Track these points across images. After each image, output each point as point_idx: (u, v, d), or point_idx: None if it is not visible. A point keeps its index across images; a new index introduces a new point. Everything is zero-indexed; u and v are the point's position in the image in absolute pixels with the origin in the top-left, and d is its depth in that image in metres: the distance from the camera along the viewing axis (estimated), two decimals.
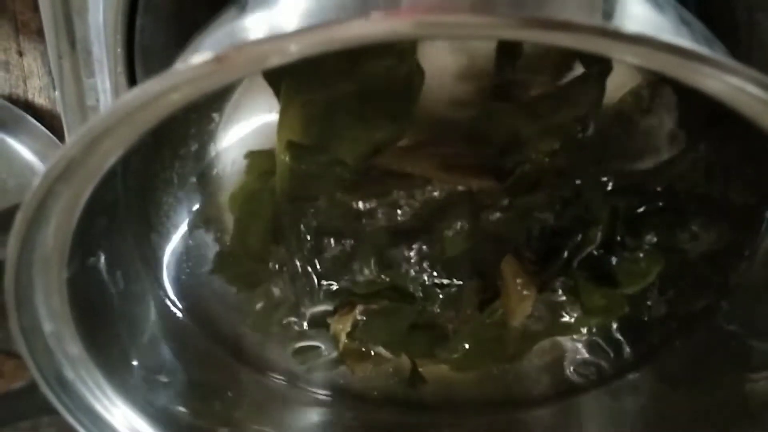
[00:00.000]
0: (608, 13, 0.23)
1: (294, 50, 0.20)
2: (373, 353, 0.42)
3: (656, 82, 0.34)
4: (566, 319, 0.40)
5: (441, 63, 0.33)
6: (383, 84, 0.33)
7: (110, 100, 0.37)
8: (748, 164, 0.34)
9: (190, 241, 0.40)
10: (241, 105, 0.37)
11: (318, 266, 0.39)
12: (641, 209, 0.37)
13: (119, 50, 0.36)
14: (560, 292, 0.39)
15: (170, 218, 0.39)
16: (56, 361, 0.31)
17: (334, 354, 0.42)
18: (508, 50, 0.32)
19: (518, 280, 0.37)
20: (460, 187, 0.36)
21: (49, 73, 0.64)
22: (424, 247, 0.38)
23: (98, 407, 0.33)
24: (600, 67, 0.33)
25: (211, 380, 0.39)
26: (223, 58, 0.20)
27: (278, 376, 0.41)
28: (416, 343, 0.42)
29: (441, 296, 0.40)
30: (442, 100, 0.34)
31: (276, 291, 0.40)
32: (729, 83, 0.22)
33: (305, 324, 0.41)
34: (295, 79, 0.34)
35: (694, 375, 0.38)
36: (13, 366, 0.64)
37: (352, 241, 0.38)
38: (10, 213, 0.25)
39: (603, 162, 0.36)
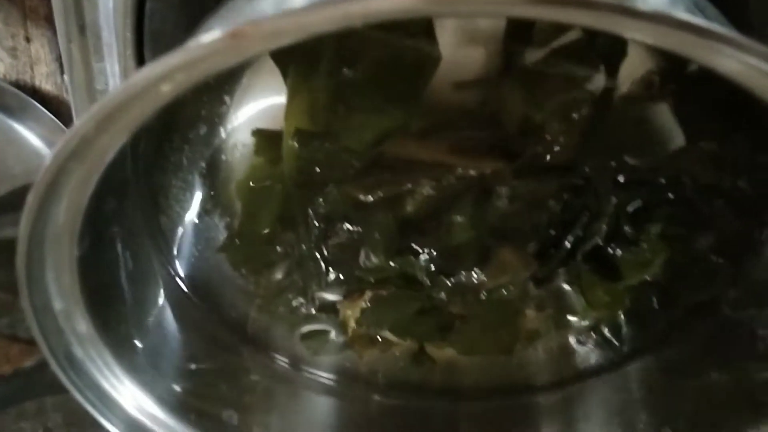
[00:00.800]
0: None
1: (309, 26, 0.20)
2: (380, 338, 0.42)
3: (668, 69, 0.34)
4: (571, 310, 0.40)
5: (449, 46, 0.33)
6: (392, 69, 0.33)
7: (119, 84, 0.37)
8: (758, 154, 0.34)
9: (200, 224, 0.40)
10: (251, 87, 0.37)
11: (326, 252, 0.39)
12: (648, 201, 0.37)
13: (128, 34, 0.36)
14: (565, 284, 0.39)
15: (179, 201, 0.39)
16: (66, 339, 0.31)
17: (342, 338, 0.43)
18: (518, 30, 0.32)
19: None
20: (471, 171, 0.36)
21: (57, 59, 0.64)
22: (432, 235, 0.38)
23: (106, 385, 0.33)
24: (613, 52, 0.33)
25: (217, 362, 0.39)
26: (238, 34, 0.20)
27: (284, 360, 0.41)
28: (423, 328, 0.42)
29: (448, 283, 0.40)
30: (450, 83, 0.34)
31: (284, 275, 0.40)
32: (744, 62, 0.21)
33: (313, 308, 0.42)
34: (303, 65, 0.33)
35: (700, 364, 0.38)
36: (19, 350, 0.64)
37: (360, 228, 0.38)
38: (19, 193, 0.25)
39: (612, 150, 0.35)
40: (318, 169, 0.36)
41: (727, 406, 0.36)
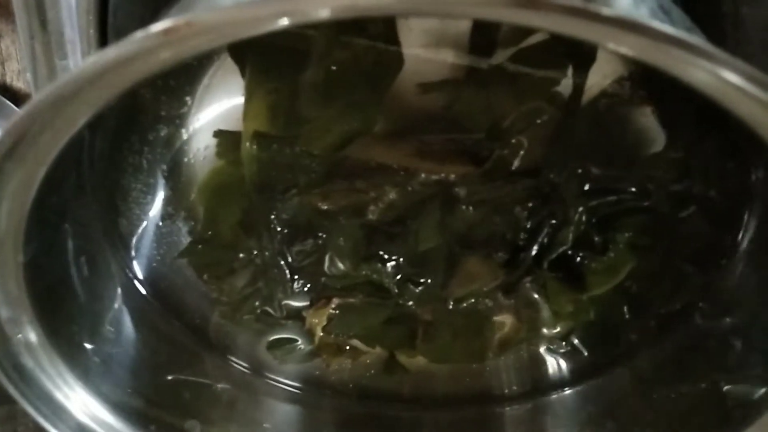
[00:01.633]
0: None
1: (246, 25, 0.19)
2: (348, 346, 0.42)
3: (639, 75, 0.34)
4: (540, 319, 0.39)
5: (413, 48, 0.32)
6: (354, 72, 0.32)
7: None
8: (728, 162, 0.34)
9: (162, 228, 0.39)
10: (213, 87, 0.36)
11: (290, 259, 0.38)
12: (616, 209, 0.36)
13: (92, 31, 0.35)
14: (533, 292, 0.38)
15: (140, 204, 0.38)
16: (13, 347, 0.30)
17: (309, 347, 0.42)
18: (484, 33, 0.32)
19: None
20: (435, 176, 0.35)
21: None
22: (398, 241, 0.38)
23: (57, 395, 0.32)
24: (582, 55, 0.32)
25: (179, 370, 0.38)
26: (171, 31, 0.19)
27: (248, 367, 0.40)
28: (393, 336, 0.41)
29: (416, 291, 0.39)
30: (413, 86, 0.33)
31: (247, 282, 0.39)
32: (709, 71, 0.21)
33: (279, 316, 0.41)
34: (260, 66, 0.33)
35: (670, 375, 0.37)
36: None
37: (325, 235, 0.37)
38: None
39: (579, 157, 0.35)
40: (279, 174, 0.35)
41: (697, 417, 0.35)
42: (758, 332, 0.34)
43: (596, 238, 0.36)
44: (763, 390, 0.32)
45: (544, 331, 0.40)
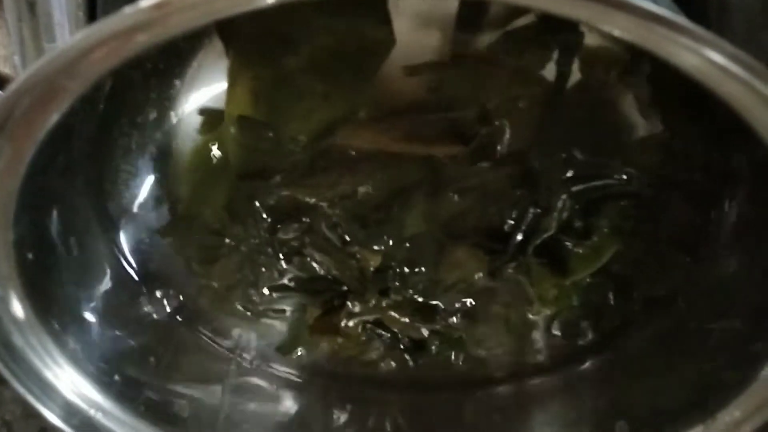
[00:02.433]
0: None
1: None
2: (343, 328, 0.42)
3: (627, 59, 0.34)
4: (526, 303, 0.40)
5: (400, 29, 0.32)
6: (341, 53, 0.32)
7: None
8: (711, 146, 0.34)
9: (151, 211, 0.39)
10: (202, 70, 0.36)
11: (277, 246, 0.38)
12: (599, 194, 0.36)
13: (80, 14, 0.35)
14: (518, 277, 0.38)
15: (129, 187, 0.38)
16: (3, 326, 0.30)
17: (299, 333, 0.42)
18: (471, 14, 0.32)
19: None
20: (423, 158, 0.35)
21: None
22: (384, 229, 0.38)
23: (46, 373, 0.32)
24: (569, 39, 0.32)
25: (166, 351, 0.38)
26: (162, 5, 0.19)
27: (231, 348, 0.40)
28: None
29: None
30: (398, 70, 0.33)
31: (234, 268, 0.39)
32: (689, 48, 0.21)
33: (267, 302, 0.41)
34: (243, 52, 0.33)
35: (652, 359, 0.38)
36: None
37: (310, 221, 0.37)
38: None
39: (563, 141, 0.35)
40: (262, 160, 0.35)
41: (680, 400, 0.35)
42: (739, 316, 0.34)
43: (580, 223, 0.37)
44: (741, 372, 0.32)
45: (529, 315, 0.40)
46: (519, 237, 0.37)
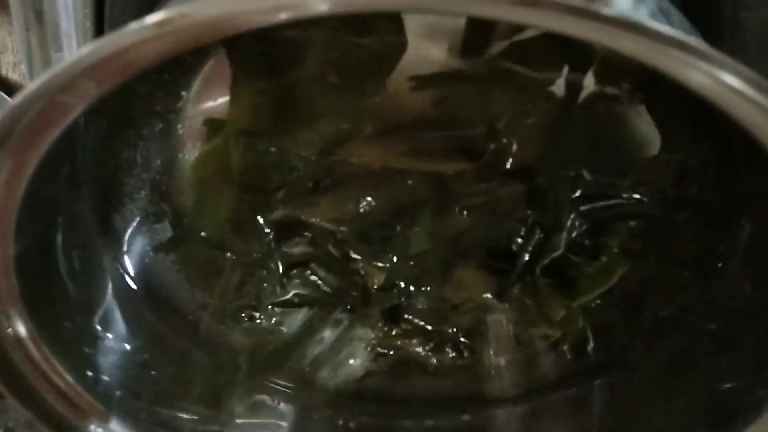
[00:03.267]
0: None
1: (248, 18, 0.19)
2: None
3: (636, 77, 0.33)
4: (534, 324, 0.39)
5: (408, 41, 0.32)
6: (343, 68, 0.32)
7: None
8: (724, 166, 0.34)
9: (155, 225, 0.39)
10: (209, 83, 0.36)
11: (279, 261, 0.38)
12: (609, 213, 0.36)
13: (88, 24, 0.35)
14: (525, 298, 0.38)
15: (134, 200, 0.38)
16: (2, 341, 0.30)
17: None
18: (479, 27, 0.31)
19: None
20: (429, 175, 0.34)
21: None
22: (390, 247, 0.37)
23: (46, 389, 0.32)
24: (579, 55, 0.32)
25: (168, 367, 0.38)
26: (166, 23, 0.18)
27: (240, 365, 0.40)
28: None
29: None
30: (404, 85, 0.33)
31: (236, 284, 0.39)
32: (708, 74, 0.21)
33: (269, 319, 0.40)
34: (246, 67, 0.32)
35: (664, 378, 0.37)
36: None
37: (313, 236, 0.37)
38: None
39: (573, 159, 0.34)
40: (265, 174, 0.35)
41: (690, 422, 0.35)
42: (753, 336, 0.34)
43: (589, 243, 0.36)
44: (758, 392, 0.31)
45: (537, 335, 0.39)
46: (526, 256, 0.37)
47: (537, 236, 0.36)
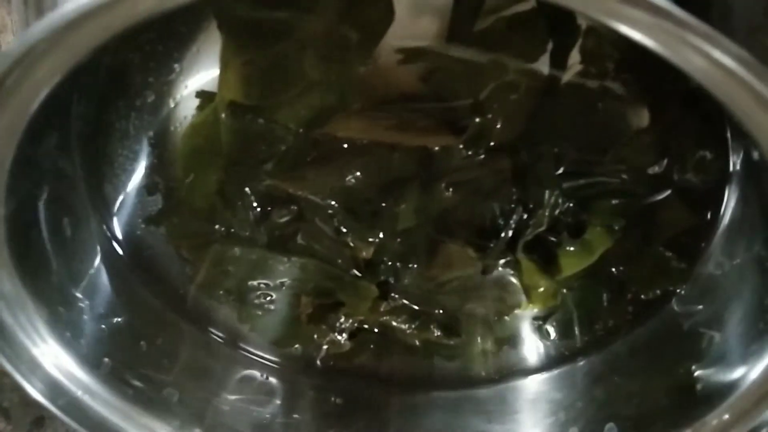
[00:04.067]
0: None
1: None
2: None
3: (622, 57, 0.34)
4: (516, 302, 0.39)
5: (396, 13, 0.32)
6: (331, 39, 0.32)
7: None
8: (707, 146, 0.34)
9: (146, 196, 0.39)
10: (202, 55, 0.36)
11: (267, 234, 0.38)
12: (591, 191, 0.36)
13: None
14: (508, 274, 0.38)
15: (125, 171, 0.38)
16: None
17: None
18: (466, 4, 0.32)
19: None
20: (416, 150, 0.35)
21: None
22: (377, 223, 0.38)
23: (33, 351, 0.32)
24: (565, 33, 0.32)
25: (155, 336, 0.38)
26: None
27: (227, 340, 0.40)
28: None
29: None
30: (391, 58, 0.33)
31: (225, 256, 0.39)
32: (708, 56, 0.21)
33: (258, 293, 0.41)
34: (235, 37, 0.33)
35: (644, 361, 0.37)
36: None
37: (301, 209, 0.37)
38: None
39: (556, 136, 0.35)
40: (253, 145, 0.35)
41: (670, 402, 0.35)
42: (733, 318, 0.34)
43: (571, 220, 0.37)
44: (732, 374, 0.32)
45: (518, 312, 0.40)
46: (510, 233, 0.37)
47: (520, 212, 0.36)
